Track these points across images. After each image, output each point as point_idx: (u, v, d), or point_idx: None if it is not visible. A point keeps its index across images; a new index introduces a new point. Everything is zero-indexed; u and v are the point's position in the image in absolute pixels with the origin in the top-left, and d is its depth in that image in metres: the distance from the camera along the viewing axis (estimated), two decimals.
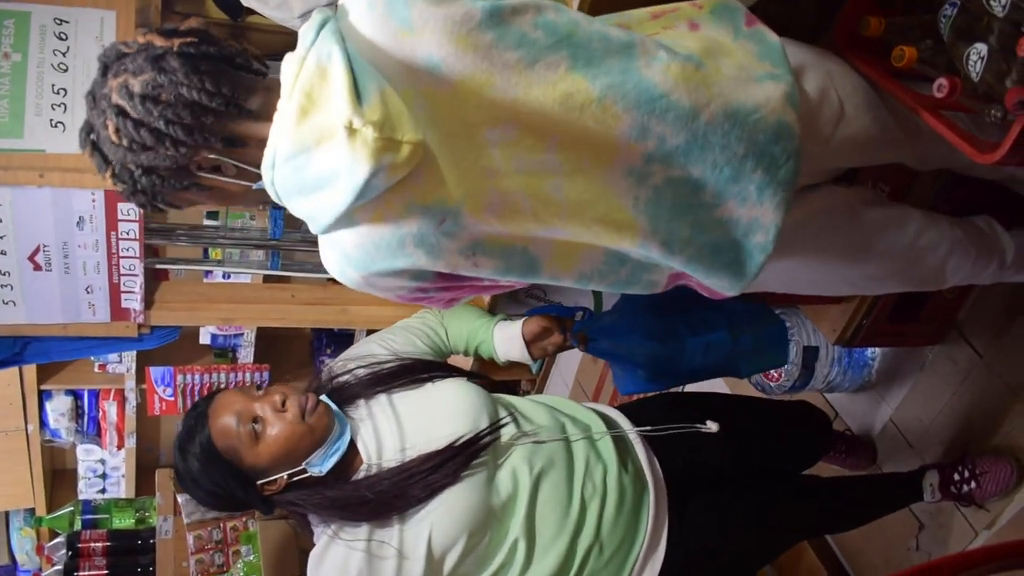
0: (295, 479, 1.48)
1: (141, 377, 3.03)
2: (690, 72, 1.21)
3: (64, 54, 2.31)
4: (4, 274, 2.43)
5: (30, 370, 2.93)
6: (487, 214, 1.15)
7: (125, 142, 1.13)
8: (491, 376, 3.11)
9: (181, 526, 2.83)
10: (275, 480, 1.48)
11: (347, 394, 1.59)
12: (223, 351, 3.20)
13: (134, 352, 2.92)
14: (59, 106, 2.28)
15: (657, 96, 1.18)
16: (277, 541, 2.82)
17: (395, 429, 1.52)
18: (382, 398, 1.58)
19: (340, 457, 1.48)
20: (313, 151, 1.08)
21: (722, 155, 1.21)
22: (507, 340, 1.78)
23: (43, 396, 3.05)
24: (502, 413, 1.59)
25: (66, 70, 2.31)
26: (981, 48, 1.25)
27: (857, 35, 1.50)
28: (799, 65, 1.35)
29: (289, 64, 1.11)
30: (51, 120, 2.27)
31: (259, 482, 1.49)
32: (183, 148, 1.13)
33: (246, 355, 3.18)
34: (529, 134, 1.16)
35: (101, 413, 3.17)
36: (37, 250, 2.42)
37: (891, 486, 2.21)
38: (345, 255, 1.16)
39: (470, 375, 1.71)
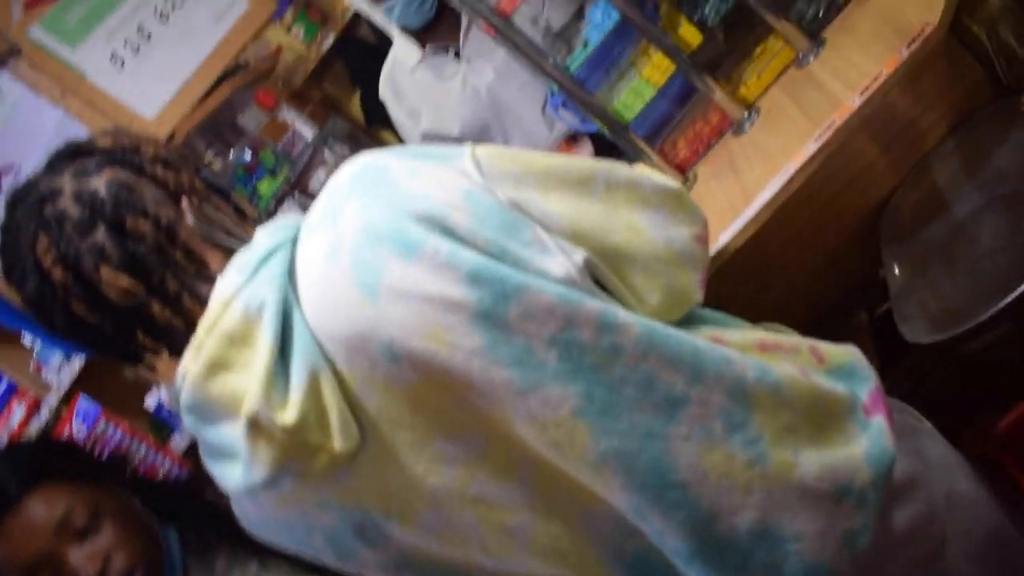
0: None
1: (68, 399, 2.69)
2: (737, 467, 0.91)
3: (174, 6, 2.11)
4: None
5: None
6: (423, 531, 0.97)
7: None
8: None
9: None
10: None
11: None
12: (161, 425, 2.83)
13: (77, 367, 2.61)
14: (132, 46, 2.07)
15: (670, 485, 0.90)
16: None
17: None
18: None
19: None
20: (214, 419, 0.92)
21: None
22: None
23: None
24: None
25: (164, 21, 2.11)
26: None
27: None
28: (909, 478, 1.02)
29: (216, 295, 0.92)
30: (114, 52, 2.07)
31: None
32: None
33: (182, 442, 2.79)
34: (496, 458, 0.93)
35: (6, 408, 2.80)
36: (10, 168, 2.10)
37: None
38: (247, 518, 1.02)
39: None
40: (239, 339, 0.90)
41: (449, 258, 0.85)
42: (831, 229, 1.39)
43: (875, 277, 1.38)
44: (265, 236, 0.95)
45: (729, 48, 1.56)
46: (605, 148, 1.70)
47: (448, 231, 0.87)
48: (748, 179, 1.38)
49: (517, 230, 0.90)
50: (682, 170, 1.58)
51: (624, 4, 1.43)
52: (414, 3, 1.98)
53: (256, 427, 0.87)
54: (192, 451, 2.78)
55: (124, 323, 0.97)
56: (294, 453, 0.89)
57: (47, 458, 1.36)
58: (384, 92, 2.30)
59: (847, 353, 1.05)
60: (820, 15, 1.48)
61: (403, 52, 2.22)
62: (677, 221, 1.03)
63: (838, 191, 1.36)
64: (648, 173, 1.06)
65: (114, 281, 0.94)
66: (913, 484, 1.02)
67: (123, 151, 0.99)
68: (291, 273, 0.93)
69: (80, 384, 2.67)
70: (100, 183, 0.95)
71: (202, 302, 0.94)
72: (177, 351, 0.95)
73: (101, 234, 0.94)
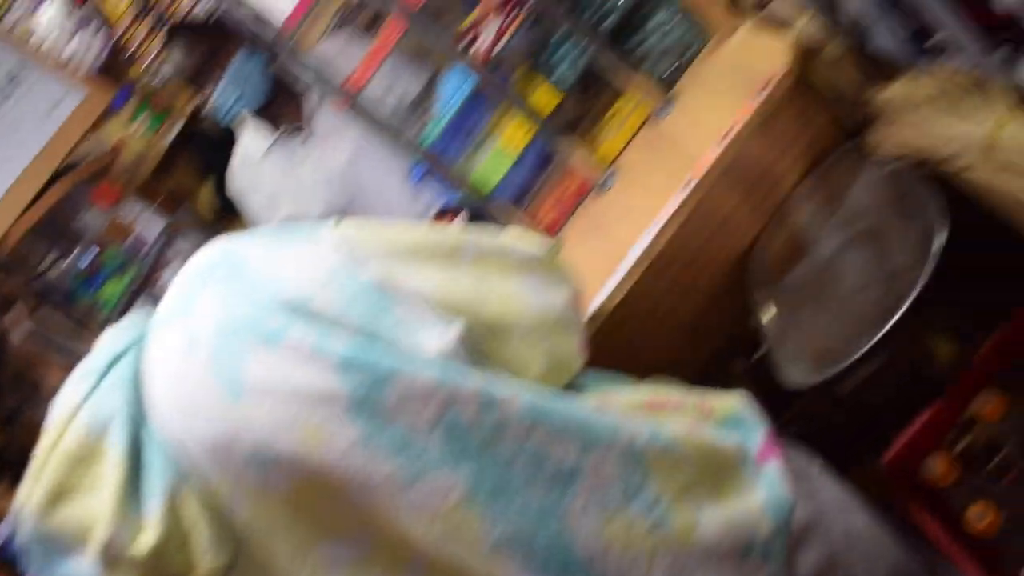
0: None
1: None
2: (639, 534, 0.91)
3: None
4: None
5: None
6: None
7: None
8: None
9: None
10: None
11: None
12: (12, 561, 2.57)
13: None
14: None
15: (572, 564, 0.89)
16: None
17: None
18: None
19: None
20: (62, 552, 0.85)
21: None
22: None
23: None
24: None
25: None
26: None
27: (916, 475, 1.20)
28: (807, 522, 1.02)
29: (56, 412, 0.86)
30: None
31: None
32: None
33: None
34: (384, 557, 0.89)
35: None
36: None
37: None
38: None
39: None
40: (84, 458, 0.84)
41: (316, 346, 0.81)
42: (703, 279, 1.39)
43: (750, 323, 1.39)
44: (109, 340, 0.90)
45: (585, 109, 1.57)
46: (478, 217, 1.68)
47: (313, 316, 0.83)
48: (616, 238, 1.38)
49: (387, 308, 0.87)
50: (550, 233, 1.57)
51: (478, 70, 1.42)
52: (247, 87, 1.92)
53: (110, 557, 0.81)
54: None
55: None
56: None
57: None
58: (235, 186, 2.23)
59: (734, 402, 1.05)
60: (671, 70, 1.51)
61: (251, 141, 2.15)
62: (550, 285, 1.01)
63: (705, 241, 1.37)
64: (517, 239, 1.04)
65: None
66: (812, 528, 1.01)
67: None
68: (141, 377, 0.86)
69: None
70: None
71: (41, 421, 0.87)
72: (16, 479, 0.88)
73: None
